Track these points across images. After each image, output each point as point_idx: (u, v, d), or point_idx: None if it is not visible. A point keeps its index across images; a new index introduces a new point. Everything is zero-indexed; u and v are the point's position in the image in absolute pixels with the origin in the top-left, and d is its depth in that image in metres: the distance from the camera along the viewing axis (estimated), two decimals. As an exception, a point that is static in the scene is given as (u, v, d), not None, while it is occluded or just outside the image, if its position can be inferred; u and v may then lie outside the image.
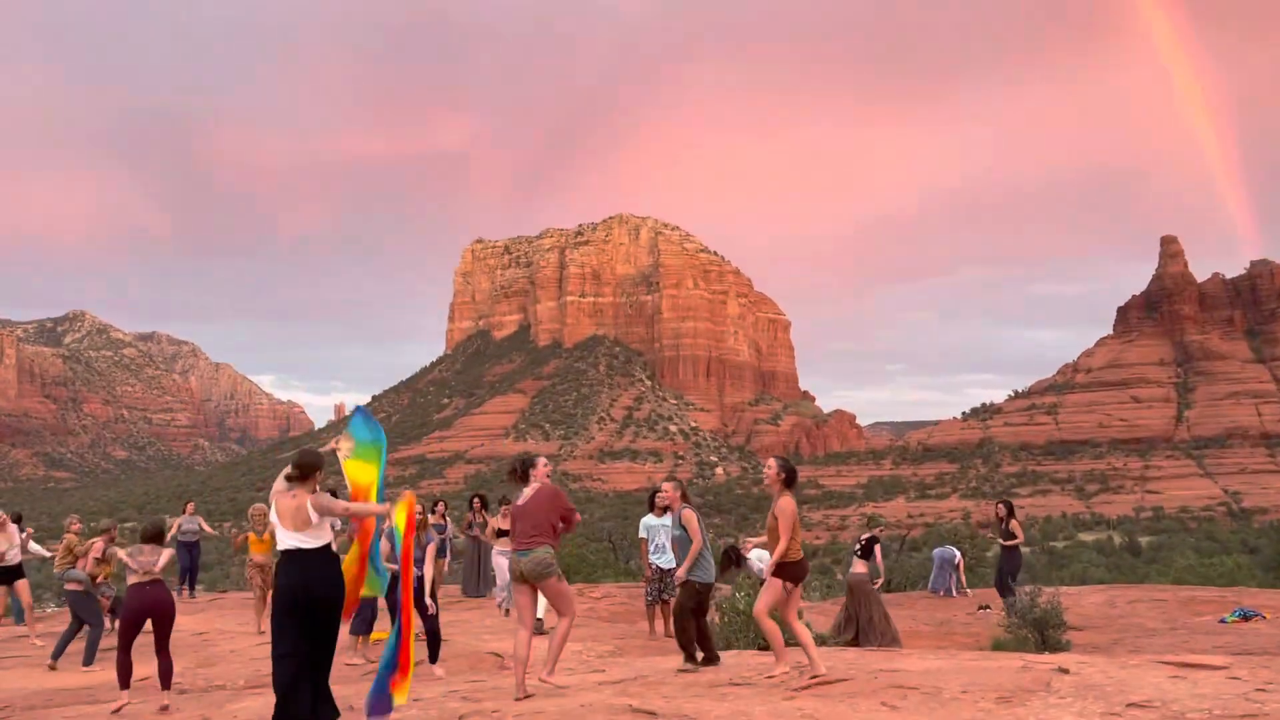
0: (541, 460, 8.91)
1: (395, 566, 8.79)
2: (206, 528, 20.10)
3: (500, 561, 16.61)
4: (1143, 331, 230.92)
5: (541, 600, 14.33)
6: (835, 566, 75.21)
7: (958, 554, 20.99)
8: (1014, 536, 17.69)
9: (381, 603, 14.82)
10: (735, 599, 13.08)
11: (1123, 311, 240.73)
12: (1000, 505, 18.38)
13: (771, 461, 8.72)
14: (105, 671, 11.71)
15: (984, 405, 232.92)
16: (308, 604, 7.12)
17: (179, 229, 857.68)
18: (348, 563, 8.07)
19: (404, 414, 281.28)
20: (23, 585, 14.61)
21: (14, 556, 14.52)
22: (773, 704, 7.64)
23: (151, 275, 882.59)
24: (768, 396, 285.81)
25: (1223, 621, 15.79)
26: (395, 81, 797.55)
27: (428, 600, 10.39)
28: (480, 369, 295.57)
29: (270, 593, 10.44)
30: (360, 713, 8.39)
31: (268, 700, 7.49)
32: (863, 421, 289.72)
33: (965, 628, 16.53)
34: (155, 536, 9.37)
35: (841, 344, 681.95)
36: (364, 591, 8.09)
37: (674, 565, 10.12)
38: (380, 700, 7.94)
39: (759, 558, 11.33)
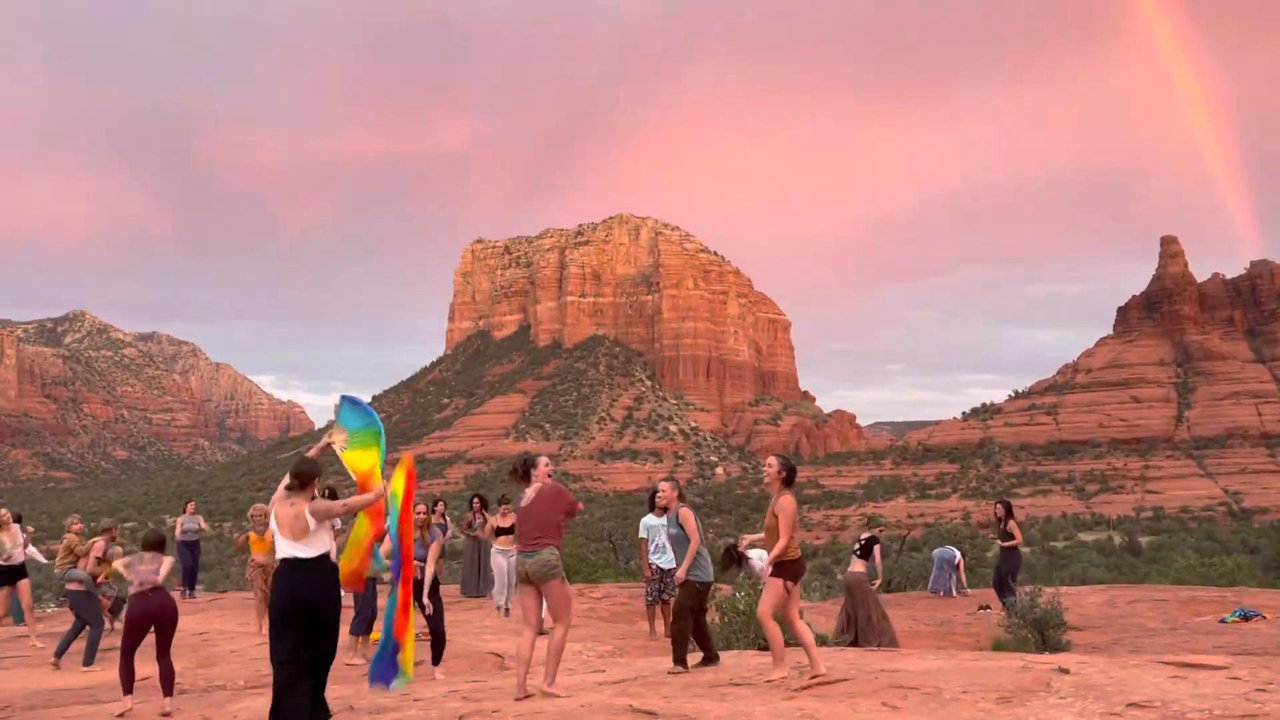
0: (543, 460, 8.92)
1: (390, 563, 8.82)
2: (204, 526, 20.20)
3: (499, 562, 16.60)
4: (1143, 332, 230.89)
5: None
6: (835, 566, 75.25)
7: (958, 554, 20.98)
8: (1012, 537, 17.69)
9: (382, 603, 14.85)
10: (735, 599, 13.08)
11: (1123, 312, 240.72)
12: (998, 506, 18.37)
13: (772, 460, 8.72)
14: (105, 671, 11.72)
15: (984, 405, 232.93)
16: (304, 613, 7.16)
17: (179, 229, 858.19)
18: (352, 541, 8.09)
19: (404, 414, 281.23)
20: (24, 585, 14.59)
21: (18, 556, 14.50)
22: (773, 704, 7.65)
23: (152, 275, 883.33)
24: (768, 397, 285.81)
25: (1223, 621, 15.80)
26: (395, 81, 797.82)
27: (425, 600, 10.38)
28: (480, 369, 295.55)
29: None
30: (360, 713, 8.41)
31: (268, 700, 7.51)
32: (863, 421, 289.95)
33: (965, 628, 16.54)
34: (156, 545, 9.37)
35: (841, 344, 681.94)
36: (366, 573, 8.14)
37: (674, 565, 10.11)
38: (382, 668, 7.95)
39: (758, 556, 11.34)
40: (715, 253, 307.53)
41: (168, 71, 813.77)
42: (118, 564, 9.83)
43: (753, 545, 9.93)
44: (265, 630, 10.79)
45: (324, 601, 7.27)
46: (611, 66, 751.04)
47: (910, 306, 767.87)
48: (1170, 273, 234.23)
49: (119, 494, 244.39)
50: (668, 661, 9.71)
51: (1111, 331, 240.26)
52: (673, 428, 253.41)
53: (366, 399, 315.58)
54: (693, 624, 9.56)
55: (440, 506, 16.04)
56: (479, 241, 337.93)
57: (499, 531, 16.52)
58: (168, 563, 9.40)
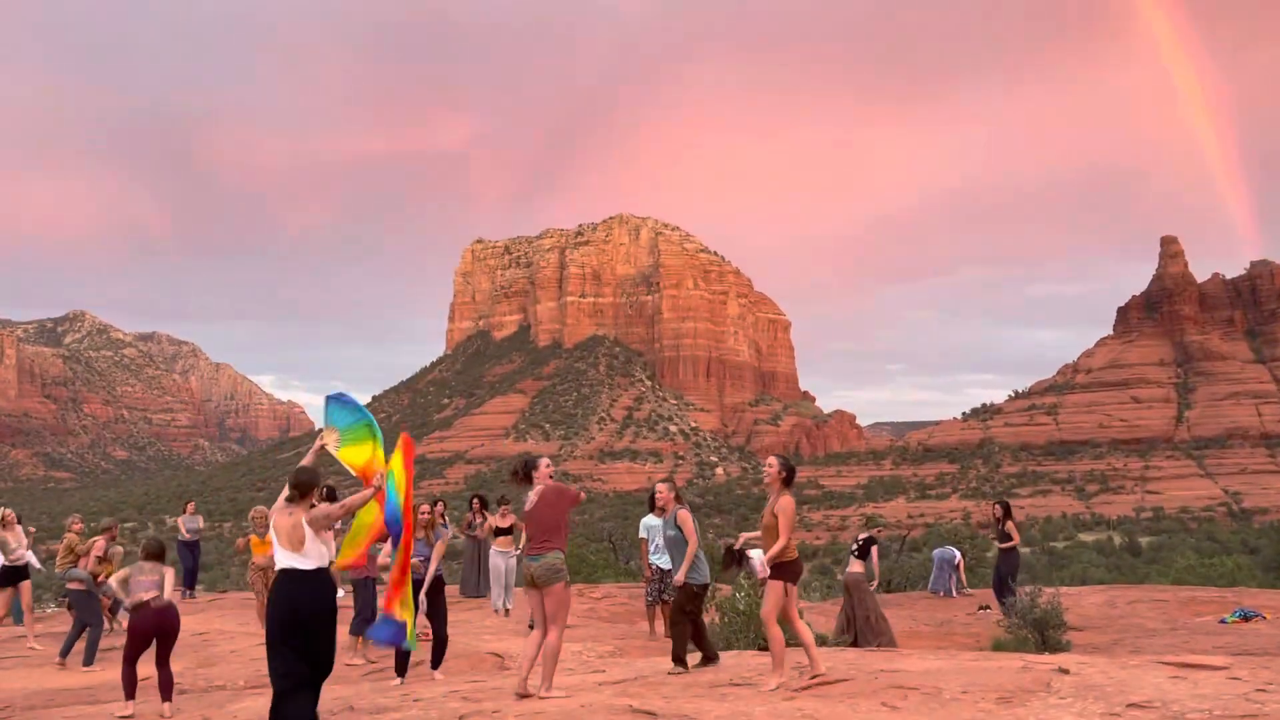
0: (544, 461, 8.92)
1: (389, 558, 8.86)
2: (201, 526, 20.33)
3: (497, 563, 16.59)
4: (1143, 332, 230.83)
5: None
6: (835, 567, 75.25)
7: (958, 554, 20.95)
8: (1010, 538, 17.67)
9: (381, 603, 14.84)
10: (735, 599, 13.07)
11: (1123, 312, 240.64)
12: (996, 506, 18.35)
13: (772, 460, 8.72)
14: (105, 672, 11.72)
15: (984, 405, 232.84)
16: (300, 624, 7.17)
17: (179, 229, 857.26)
18: (358, 525, 8.10)
19: (404, 414, 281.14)
20: (25, 586, 14.57)
21: (21, 556, 14.49)
22: (773, 704, 7.65)
23: (152, 275, 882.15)
24: (768, 397, 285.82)
25: (1223, 622, 15.79)
26: (395, 81, 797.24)
27: (422, 596, 10.38)
28: (480, 369, 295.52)
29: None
30: (360, 713, 8.41)
31: (268, 701, 7.51)
32: (863, 422, 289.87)
33: (965, 628, 16.53)
34: (157, 554, 9.36)
35: (841, 344, 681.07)
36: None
37: (672, 566, 10.10)
38: (385, 629, 8.06)
39: (756, 556, 11.34)
40: (715, 253, 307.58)
41: (168, 71, 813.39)
42: (114, 581, 9.79)
43: (749, 544, 9.93)
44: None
45: (321, 613, 7.29)
46: (611, 66, 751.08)
47: (910, 306, 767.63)
48: (1170, 273, 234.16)
49: (119, 494, 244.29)
50: (667, 662, 9.71)
51: (1111, 332, 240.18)
52: (673, 428, 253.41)
53: (366, 399, 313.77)
54: (690, 625, 9.54)
55: (439, 506, 16.04)
56: (479, 241, 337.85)
57: (498, 532, 16.50)
58: (170, 575, 9.37)
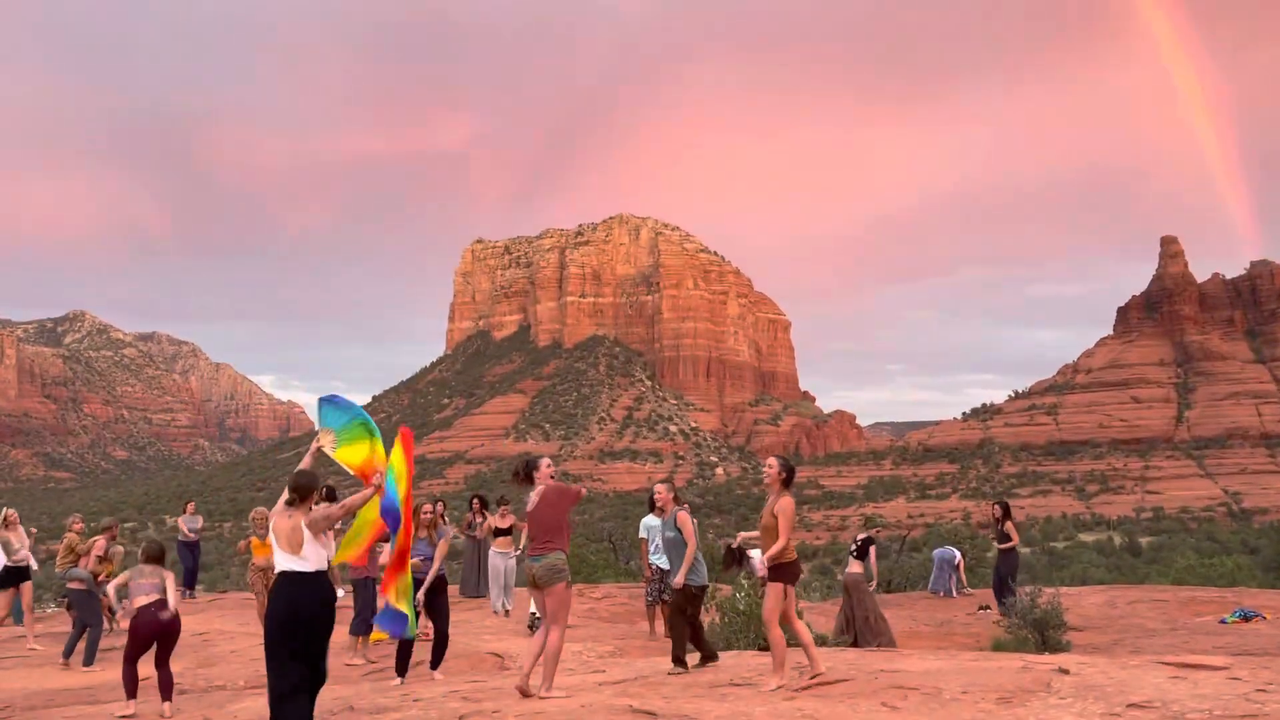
0: (544, 461, 8.92)
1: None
2: (200, 525, 20.37)
3: (495, 564, 16.59)
4: (1143, 332, 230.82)
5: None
6: (835, 567, 75.25)
7: (958, 554, 20.93)
8: (1009, 538, 17.67)
9: (382, 603, 14.84)
10: (735, 599, 13.07)
11: (1123, 312, 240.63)
12: (996, 507, 18.35)
13: (772, 460, 8.72)
14: (105, 672, 11.72)
15: (984, 405, 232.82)
16: (300, 626, 7.20)
17: (179, 229, 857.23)
18: (360, 521, 8.13)
19: (404, 414, 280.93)
20: (27, 587, 14.59)
21: (24, 557, 14.50)
22: (773, 704, 7.65)
23: (151, 275, 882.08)
24: (768, 397, 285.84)
25: (1223, 622, 15.78)
26: (395, 81, 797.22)
27: (420, 595, 10.38)
28: (480, 369, 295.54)
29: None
30: (360, 713, 8.41)
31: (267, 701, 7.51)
32: (863, 422, 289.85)
33: (965, 628, 16.53)
34: (157, 558, 9.36)
35: (841, 344, 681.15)
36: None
37: (671, 567, 10.10)
38: (388, 620, 8.26)
39: (756, 555, 11.36)
40: (715, 253, 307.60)
41: (168, 71, 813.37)
42: (111, 587, 9.78)
43: (746, 543, 9.96)
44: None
45: (320, 615, 7.33)
46: (611, 66, 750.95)
47: (910, 306, 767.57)
48: (1170, 273, 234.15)
49: (119, 494, 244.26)
50: (668, 662, 9.71)
51: (1111, 332, 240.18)
52: (673, 428, 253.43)
53: (366, 399, 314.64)
54: (689, 626, 9.56)
55: (439, 506, 16.03)
56: (479, 241, 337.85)
57: (497, 533, 16.49)
58: (170, 580, 9.36)
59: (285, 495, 7.56)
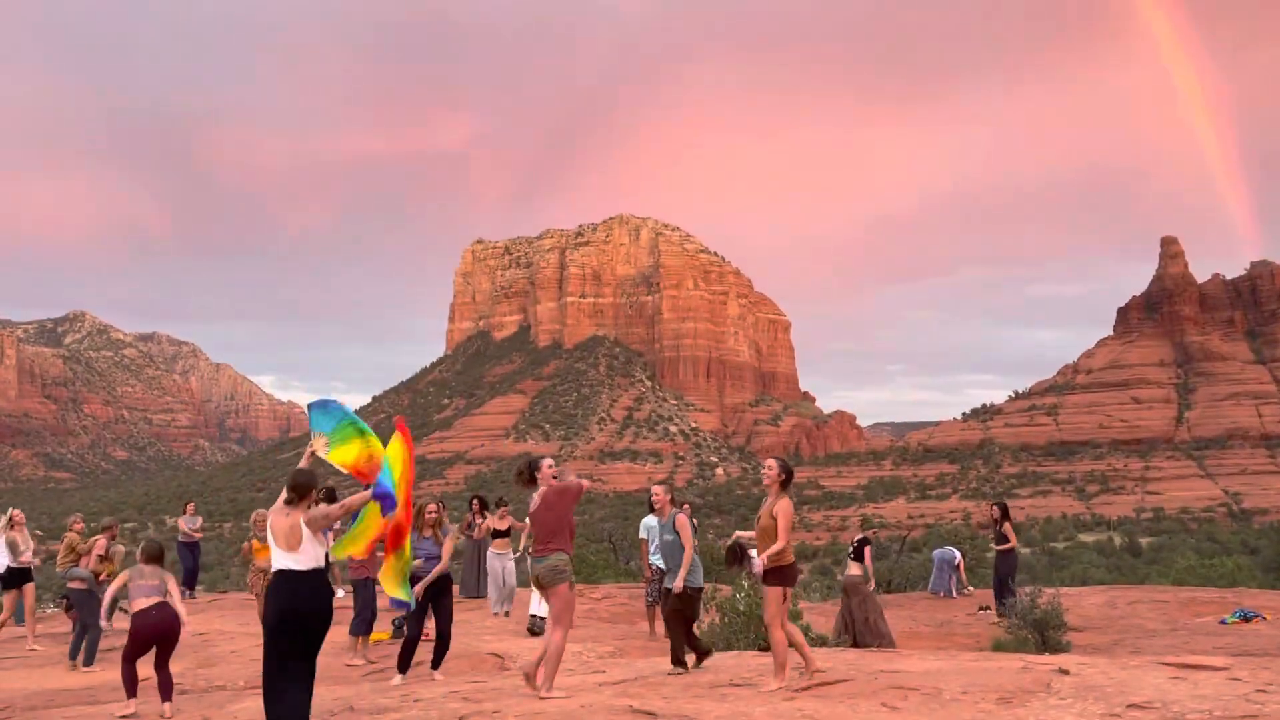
0: (546, 462, 8.93)
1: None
2: (200, 524, 20.43)
3: (494, 565, 16.60)
4: (1143, 332, 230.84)
5: (539, 596, 14.36)
6: (835, 567, 75.25)
7: (958, 555, 20.94)
8: (1007, 539, 17.69)
9: (381, 603, 14.87)
10: (735, 599, 13.07)
11: (1123, 312, 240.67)
12: (994, 508, 18.37)
13: (772, 462, 8.73)
14: (105, 672, 11.73)
15: (984, 406, 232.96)
16: (298, 623, 7.21)
17: (179, 229, 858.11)
18: (364, 518, 8.15)
19: (404, 414, 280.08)
20: (29, 588, 14.63)
21: (29, 558, 14.52)
22: (773, 704, 7.66)
23: (152, 275, 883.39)
24: (768, 397, 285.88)
25: (1223, 622, 15.78)
26: (395, 81, 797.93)
27: (417, 588, 10.40)
28: (480, 369, 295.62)
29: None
30: (360, 713, 8.42)
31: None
32: (863, 422, 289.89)
33: (965, 629, 16.54)
34: (156, 557, 9.34)
35: (841, 344, 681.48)
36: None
37: (667, 568, 10.06)
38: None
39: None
40: (715, 253, 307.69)
41: (168, 71, 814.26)
42: (111, 589, 9.75)
43: (740, 540, 9.97)
44: None
45: (319, 612, 7.34)
46: (611, 66, 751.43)
47: (910, 307, 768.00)
48: (1170, 273, 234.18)
49: (119, 494, 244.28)
50: (667, 662, 9.73)
51: (1112, 332, 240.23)
52: (673, 428, 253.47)
53: (366, 399, 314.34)
54: (684, 628, 9.55)
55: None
56: (479, 242, 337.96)
57: (495, 534, 16.48)
58: (172, 581, 9.34)
59: (284, 494, 7.56)
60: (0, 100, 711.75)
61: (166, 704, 8.98)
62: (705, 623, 13.27)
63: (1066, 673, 8.22)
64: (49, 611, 17.18)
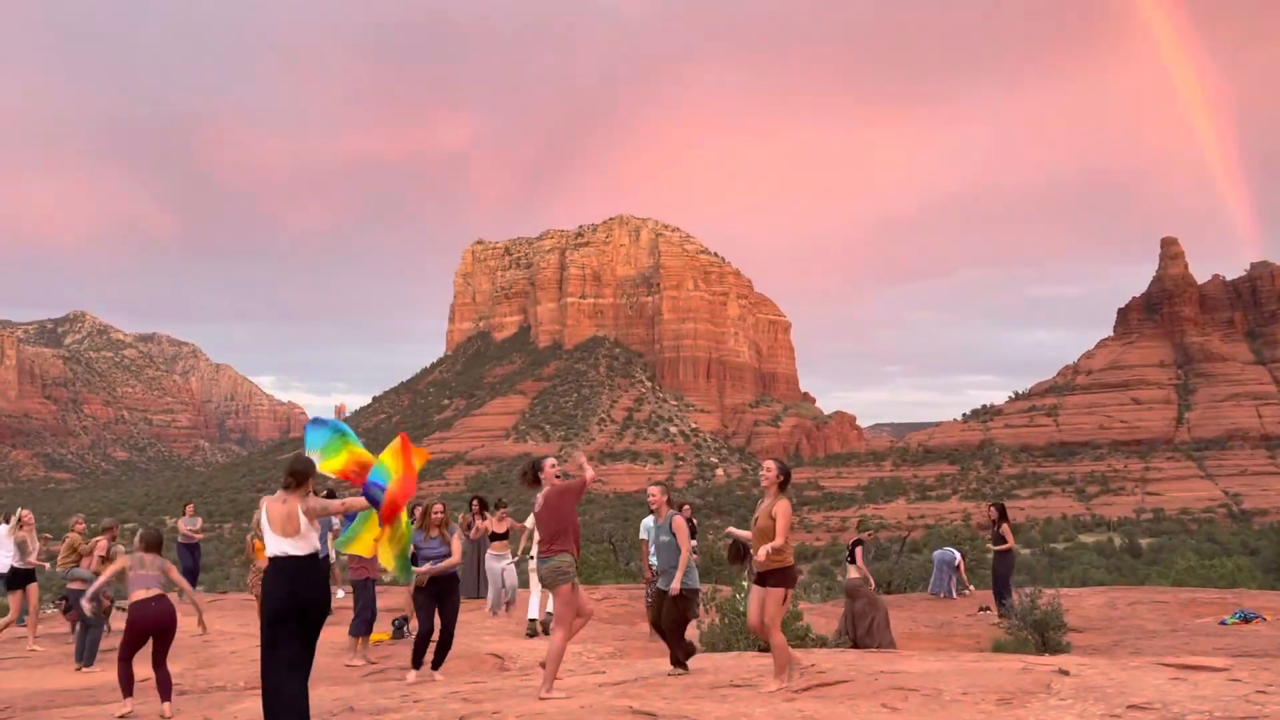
0: (548, 462, 8.94)
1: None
2: (200, 526, 20.47)
3: (492, 566, 16.62)
4: (1143, 333, 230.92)
5: (539, 600, 14.37)
6: (835, 568, 75.26)
7: (958, 556, 20.96)
8: (1004, 540, 17.72)
9: (381, 604, 14.88)
10: (736, 600, 13.08)
11: (1123, 313, 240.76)
12: (991, 509, 18.42)
13: (770, 463, 8.74)
14: (105, 672, 11.73)
15: (984, 407, 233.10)
16: (295, 607, 7.19)
17: (180, 229, 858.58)
18: (364, 519, 8.17)
19: (404, 415, 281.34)
20: (33, 589, 14.68)
21: (34, 560, 14.56)
22: (773, 705, 7.66)
23: (152, 276, 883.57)
24: (768, 398, 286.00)
25: (1223, 623, 15.80)
26: (395, 81, 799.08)
27: (424, 570, 10.42)
28: (480, 370, 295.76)
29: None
30: (360, 713, 8.42)
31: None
32: (863, 423, 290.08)
33: (965, 629, 16.55)
34: (155, 545, 9.28)
35: (841, 345, 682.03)
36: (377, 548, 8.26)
37: (663, 569, 10.05)
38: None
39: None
40: (715, 254, 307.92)
41: (168, 72, 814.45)
42: (109, 571, 9.72)
43: (732, 534, 10.02)
44: None
45: (316, 599, 7.31)
46: (611, 66, 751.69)
47: (910, 307, 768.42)
48: (1170, 274, 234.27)
49: (119, 495, 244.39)
50: (667, 663, 9.73)
51: (1112, 333, 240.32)
52: (673, 429, 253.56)
53: (366, 400, 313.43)
54: (679, 627, 9.56)
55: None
56: (479, 243, 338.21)
57: (493, 536, 16.50)
58: (172, 569, 9.32)
59: (282, 480, 7.54)
60: (2, 101, 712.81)
61: (166, 703, 8.92)
62: (705, 623, 13.29)
63: (1066, 674, 8.23)
64: (48, 612, 17.20)
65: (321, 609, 7.37)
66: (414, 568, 10.52)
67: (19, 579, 14.50)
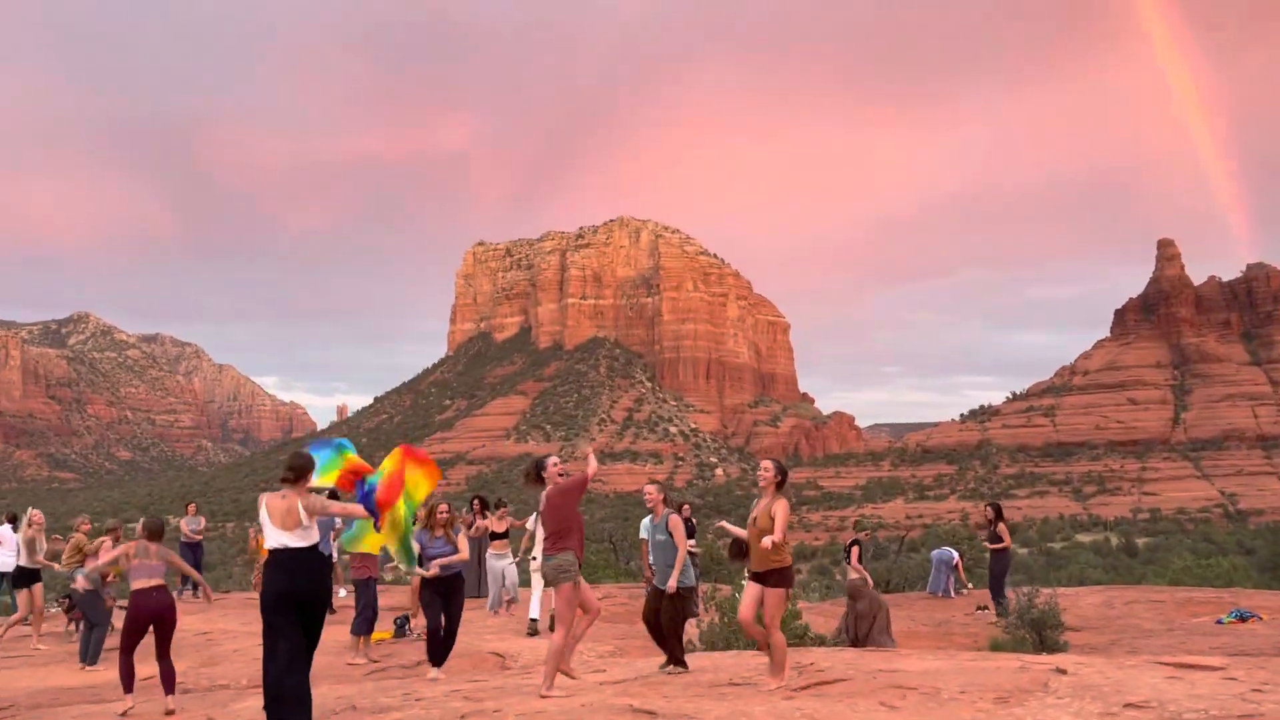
0: (551, 461, 8.98)
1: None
2: (203, 527, 20.55)
3: (493, 565, 16.68)
4: (1140, 334, 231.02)
5: (541, 600, 14.44)
6: (834, 567, 75.28)
7: (955, 555, 21.04)
8: (1001, 539, 17.80)
9: (383, 603, 14.94)
10: (735, 598, 13.14)
11: (1120, 314, 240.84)
12: (988, 508, 18.51)
13: (768, 463, 8.76)
14: (109, 671, 11.78)
15: (982, 407, 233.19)
16: (295, 598, 7.24)
17: (182, 231, 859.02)
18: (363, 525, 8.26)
19: (406, 415, 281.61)
20: (38, 588, 14.77)
21: (42, 559, 14.62)
22: (772, 703, 7.68)
23: (155, 277, 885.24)
24: (767, 398, 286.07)
25: (1219, 622, 15.84)
26: (396, 82, 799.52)
27: (436, 562, 10.50)
28: (481, 371, 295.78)
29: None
30: (363, 712, 8.47)
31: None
32: (861, 423, 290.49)
33: (964, 628, 16.59)
34: (158, 533, 9.32)
35: (840, 346, 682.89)
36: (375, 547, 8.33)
37: (658, 567, 10.11)
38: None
39: None
40: (715, 255, 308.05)
41: (169, 73, 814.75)
42: (114, 553, 9.76)
43: (723, 531, 10.10)
44: None
45: (316, 591, 7.37)
46: (611, 67, 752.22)
47: (909, 308, 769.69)
48: (1167, 275, 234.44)
49: (123, 494, 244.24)
50: (669, 662, 9.77)
51: (1108, 334, 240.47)
52: (673, 429, 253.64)
53: (368, 400, 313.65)
54: (673, 625, 9.59)
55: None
56: (480, 244, 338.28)
57: (493, 536, 16.56)
58: (174, 556, 9.39)
59: (281, 475, 7.61)
60: (3, 101, 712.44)
61: (170, 696, 8.92)
62: (705, 622, 13.34)
63: (1064, 672, 8.26)
64: (52, 611, 17.28)
65: (320, 601, 7.41)
66: (422, 567, 10.61)
67: (25, 578, 14.59)
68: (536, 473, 8.92)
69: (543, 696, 8.29)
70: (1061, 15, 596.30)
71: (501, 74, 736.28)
